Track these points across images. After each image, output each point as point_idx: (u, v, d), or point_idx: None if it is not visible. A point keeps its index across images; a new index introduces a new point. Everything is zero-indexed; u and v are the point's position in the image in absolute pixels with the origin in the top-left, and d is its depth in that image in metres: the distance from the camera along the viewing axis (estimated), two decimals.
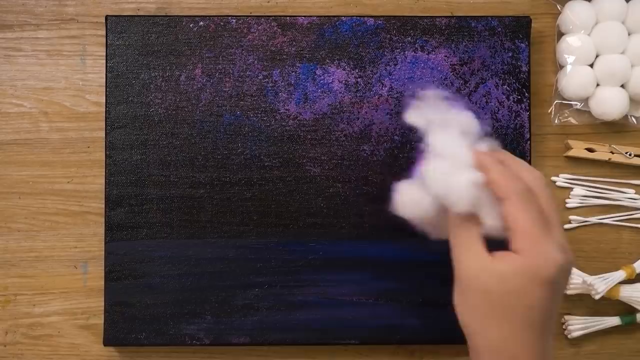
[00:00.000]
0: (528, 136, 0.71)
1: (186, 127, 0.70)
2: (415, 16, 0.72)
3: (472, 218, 0.51)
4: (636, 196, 0.74)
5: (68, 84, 0.73)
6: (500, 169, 0.51)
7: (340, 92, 0.71)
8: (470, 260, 0.51)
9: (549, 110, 0.73)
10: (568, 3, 0.73)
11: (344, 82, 0.71)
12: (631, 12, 0.72)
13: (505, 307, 0.50)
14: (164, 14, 0.73)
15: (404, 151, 0.71)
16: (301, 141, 0.71)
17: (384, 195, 0.71)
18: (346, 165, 0.71)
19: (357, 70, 0.71)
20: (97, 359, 0.73)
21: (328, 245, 0.70)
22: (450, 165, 0.50)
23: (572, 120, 0.73)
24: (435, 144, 0.52)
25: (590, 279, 0.72)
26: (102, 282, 0.70)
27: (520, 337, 0.50)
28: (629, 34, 0.72)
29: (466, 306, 0.52)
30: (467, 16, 0.72)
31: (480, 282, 0.50)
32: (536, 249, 0.49)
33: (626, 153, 0.73)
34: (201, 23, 0.71)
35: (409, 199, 0.53)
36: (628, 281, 0.73)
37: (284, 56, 0.71)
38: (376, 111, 0.71)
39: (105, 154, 0.70)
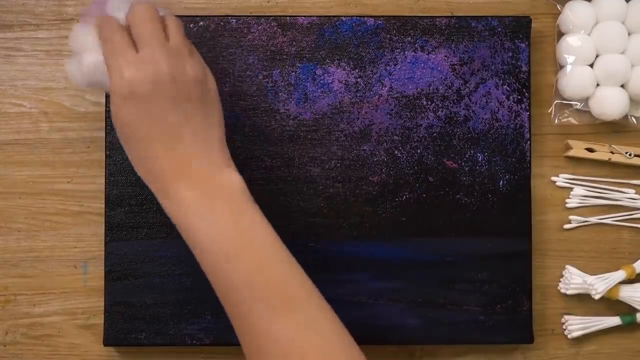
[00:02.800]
0: (528, 136, 0.71)
1: None
2: (415, 16, 0.72)
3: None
4: (636, 196, 0.74)
5: (68, 84, 0.73)
6: (103, 23, 0.57)
7: (340, 92, 0.71)
8: None
9: (549, 110, 0.73)
10: (568, 3, 0.73)
11: (344, 82, 0.71)
12: (631, 12, 0.72)
13: (121, 131, 0.56)
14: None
15: (404, 151, 0.71)
16: (301, 141, 0.71)
17: (384, 195, 0.71)
18: (346, 165, 0.71)
19: (357, 70, 0.71)
20: (97, 359, 0.73)
21: (328, 245, 0.70)
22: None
23: (572, 120, 0.73)
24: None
25: (590, 279, 0.72)
26: (102, 282, 0.70)
27: (143, 151, 0.56)
28: (629, 34, 0.72)
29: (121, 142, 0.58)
30: (467, 16, 0.72)
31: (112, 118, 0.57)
32: (111, 71, 0.55)
33: (626, 153, 0.73)
34: (201, 23, 0.71)
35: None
36: (628, 281, 0.73)
37: (284, 56, 0.71)
38: (376, 111, 0.71)
39: (105, 154, 0.70)
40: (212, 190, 0.56)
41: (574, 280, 0.72)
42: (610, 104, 0.71)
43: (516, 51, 0.71)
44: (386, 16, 0.72)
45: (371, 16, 0.71)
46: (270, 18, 0.71)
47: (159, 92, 0.54)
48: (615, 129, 0.74)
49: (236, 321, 0.56)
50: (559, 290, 0.73)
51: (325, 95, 0.71)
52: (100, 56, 0.57)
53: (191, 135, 0.56)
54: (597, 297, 0.71)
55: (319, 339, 0.54)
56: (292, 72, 0.71)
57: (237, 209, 0.56)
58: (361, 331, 0.70)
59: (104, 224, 0.70)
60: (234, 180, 0.57)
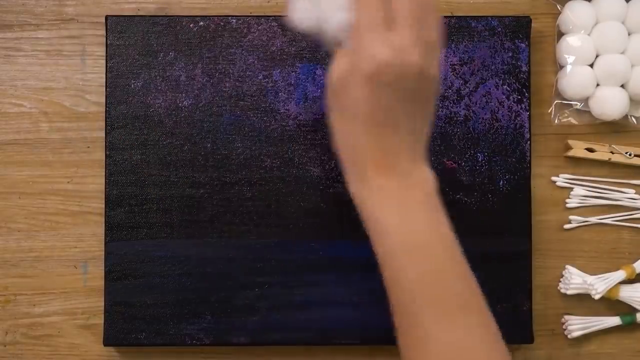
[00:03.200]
0: (528, 136, 0.71)
1: (186, 127, 0.70)
2: None
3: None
4: (636, 196, 0.74)
5: (68, 84, 0.73)
6: None
7: None
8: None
9: (549, 110, 0.73)
10: (568, 3, 0.73)
11: None
12: (631, 12, 0.72)
13: (341, 103, 0.53)
14: (164, 14, 0.73)
15: None
16: (301, 141, 0.71)
17: None
18: None
19: None
20: (97, 359, 0.73)
21: (328, 245, 0.70)
22: None
23: (572, 120, 0.73)
24: None
25: (590, 279, 0.72)
26: (102, 282, 0.70)
27: (356, 131, 0.53)
28: (629, 34, 0.72)
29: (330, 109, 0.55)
30: (467, 16, 0.72)
31: (329, 82, 0.54)
32: (360, 44, 0.51)
33: (626, 153, 0.73)
34: (201, 23, 0.71)
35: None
36: (628, 281, 0.73)
37: (284, 56, 0.71)
38: None
39: (105, 154, 0.70)
40: (410, 183, 0.54)
41: (574, 280, 0.72)
42: (610, 104, 0.71)
43: (516, 51, 0.71)
44: None
45: None
46: (270, 18, 0.71)
47: (401, 83, 0.52)
48: (615, 129, 0.74)
49: (401, 319, 0.54)
50: (559, 290, 0.73)
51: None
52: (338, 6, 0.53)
53: (407, 129, 0.54)
54: (597, 297, 0.71)
55: (487, 347, 0.53)
56: (292, 72, 0.71)
57: (431, 205, 0.55)
58: (361, 331, 0.71)
59: (104, 224, 0.70)
60: (430, 176, 0.55)
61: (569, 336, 0.73)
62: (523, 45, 0.71)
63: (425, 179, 0.55)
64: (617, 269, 0.72)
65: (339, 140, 0.55)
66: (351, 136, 0.54)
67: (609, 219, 0.74)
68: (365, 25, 0.51)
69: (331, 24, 0.52)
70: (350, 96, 0.52)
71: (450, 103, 0.71)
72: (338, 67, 0.53)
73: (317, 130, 0.71)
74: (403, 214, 0.54)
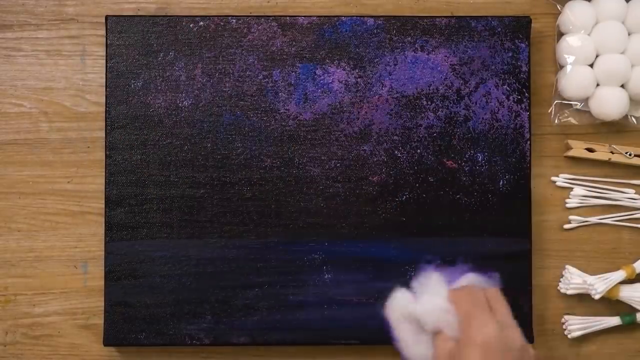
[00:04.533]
0: (528, 136, 0.71)
1: (186, 127, 0.70)
2: (415, 16, 0.72)
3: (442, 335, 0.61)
4: (636, 196, 0.74)
5: (68, 84, 0.73)
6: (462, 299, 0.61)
7: (340, 92, 0.71)
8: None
9: (549, 110, 0.73)
10: (568, 3, 0.73)
11: (344, 82, 0.71)
12: (631, 12, 0.72)
13: None
14: (164, 14, 0.73)
15: (404, 151, 0.71)
16: (301, 141, 0.71)
17: (384, 195, 0.71)
18: (346, 165, 0.71)
19: (357, 70, 0.71)
20: (97, 359, 0.73)
21: (328, 245, 0.70)
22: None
23: (572, 120, 0.73)
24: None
25: (590, 279, 0.72)
26: (102, 282, 0.70)
27: None
28: (629, 34, 0.72)
29: None
30: (467, 16, 0.72)
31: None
32: (471, 323, 0.58)
33: (626, 153, 0.73)
34: (201, 23, 0.71)
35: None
36: (628, 281, 0.73)
37: (284, 56, 0.71)
38: (376, 111, 0.71)
39: (105, 154, 0.70)
40: None
41: (574, 280, 0.72)
42: (610, 104, 0.71)
43: (516, 51, 0.71)
44: (386, 16, 0.72)
45: (371, 16, 0.71)
46: (270, 18, 0.71)
47: (508, 355, 0.58)
48: (615, 129, 0.74)
49: None
50: (559, 290, 0.73)
51: (325, 95, 0.71)
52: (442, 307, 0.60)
53: None
54: (597, 297, 0.71)
55: None
56: (292, 72, 0.71)
57: None
58: (361, 331, 0.71)
59: (104, 224, 0.70)
60: None
61: (569, 336, 0.73)
62: (523, 45, 0.71)
63: None
64: (617, 269, 0.72)
65: None
66: None
67: (609, 219, 0.74)
68: (474, 309, 0.59)
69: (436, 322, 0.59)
70: None
71: (450, 103, 0.71)
72: (446, 342, 0.59)
73: (317, 130, 0.71)
74: None
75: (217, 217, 0.70)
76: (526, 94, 0.71)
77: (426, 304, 0.61)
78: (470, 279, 0.62)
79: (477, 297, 0.61)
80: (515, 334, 0.59)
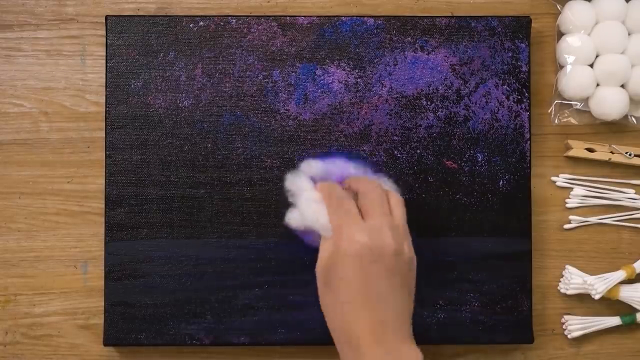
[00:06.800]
0: (528, 136, 0.71)
1: (186, 127, 0.70)
2: (415, 16, 0.72)
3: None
4: (636, 196, 0.74)
5: (68, 84, 0.73)
6: (328, 187, 0.63)
7: (340, 92, 0.71)
8: None
9: (549, 110, 0.73)
10: (568, 3, 0.73)
11: (344, 82, 0.71)
12: (631, 12, 0.72)
13: (332, 284, 0.60)
14: (164, 14, 0.73)
15: (404, 151, 0.71)
16: (301, 141, 0.71)
17: None
18: None
19: (357, 71, 0.71)
20: (97, 359, 0.73)
21: None
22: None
23: (572, 120, 0.73)
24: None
25: (590, 279, 0.72)
26: (102, 282, 0.70)
27: (350, 309, 0.59)
28: (629, 34, 0.72)
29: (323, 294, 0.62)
30: (467, 16, 0.72)
31: (319, 268, 0.62)
32: (341, 233, 0.60)
33: (626, 153, 0.73)
34: (201, 23, 0.71)
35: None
36: (628, 281, 0.73)
37: (284, 56, 0.71)
38: (376, 111, 0.71)
39: (105, 154, 0.70)
40: (395, 358, 0.59)
41: (574, 280, 0.72)
42: (610, 104, 0.71)
43: (516, 51, 0.71)
44: (386, 16, 0.72)
45: (371, 16, 0.71)
46: (270, 18, 0.71)
47: (381, 262, 0.59)
48: (615, 129, 0.74)
49: None
50: (559, 290, 0.73)
51: (325, 95, 0.71)
52: (317, 207, 0.62)
53: (392, 305, 0.60)
54: (597, 297, 0.71)
55: None
56: (292, 72, 0.71)
57: None
58: None
59: (104, 224, 0.70)
60: (415, 354, 0.59)
61: (569, 336, 0.73)
62: (523, 45, 0.71)
63: (413, 354, 0.59)
64: (617, 269, 0.72)
65: (333, 322, 0.61)
66: (345, 314, 0.59)
67: (609, 219, 0.74)
68: (343, 215, 0.61)
69: (316, 227, 0.62)
70: (339, 275, 0.59)
71: (450, 103, 0.71)
72: (325, 252, 0.61)
73: (317, 130, 0.71)
74: None
75: (217, 217, 0.70)
76: (526, 94, 0.71)
77: (301, 204, 0.63)
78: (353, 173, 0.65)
79: (346, 198, 0.62)
80: (388, 239, 0.59)
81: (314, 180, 0.65)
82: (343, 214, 0.61)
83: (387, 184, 0.66)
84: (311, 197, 0.63)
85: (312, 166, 0.66)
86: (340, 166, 0.67)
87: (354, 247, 0.59)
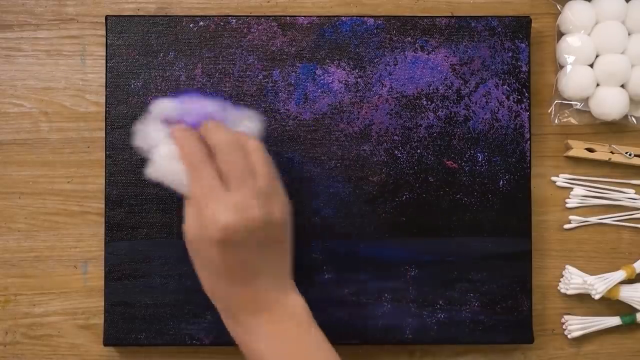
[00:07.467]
0: (528, 136, 0.71)
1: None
2: (415, 16, 0.72)
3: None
4: (636, 196, 0.74)
5: (68, 84, 0.73)
6: (184, 142, 0.58)
7: (340, 92, 0.71)
8: None
9: (549, 110, 0.73)
10: (568, 3, 0.73)
11: (344, 82, 0.71)
12: (631, 12, 0.72)
13: (201, 262, 0.58)
14: (164, 14, 0.73)
15: (404, 151, 0.71)
16: (301, 141, 0.71)
17: (384, 195, 0.71)
18: (346, 165, 0.71)
19: (357, 70, 0.71)
20: (97, 359, 0.73)
21: (328, 245, 0.70)
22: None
23: (572, 120, 0.73)
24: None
25: (590, 279, 0.72)
26: (102, 282, 0.70)
27: (221, 284, 0.58)
28: (629, 34, 0.72)
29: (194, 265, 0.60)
30: (467, 16, 0.72)
31: (185, 239, 0.59)
32: (202, 209, 0.56)
33: (626, 153, 0.73)
34: (201, 23, 0.71)
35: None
36: (628, 281, 0.73)
37: (284, 56, 0.71)
38: (376, 111, 0.71)
39: (105, 154, 0.70)
40: (279, 314, 0.58)
41: (574, 280, 0.72)
42: (610, 104, 0.71)
43: (516, 51, 0.71)
44: (386, 16, 0.72)
45: (371, 16, 0.71)
46: (270, 18, 0.71)
47: (250, 239, 0.56)
48: (615, 129, 0.74)
49: None
50: (559, 290, 0.73)
51: (325, 95, 0.71)
52: (175, 166, 0.58)
53: (268, 272, 0.59)
54: (597, 297, 0.71)
55: None
56: (292, 72, 0.71)
57: (302, 329, 0.59)
58: (361, 331, 0.71)
59: (104, 224, 0.70)
60: (298, 303, 0.59)
61: (569, 336, 0.73)
62: (523, 45, 0.71)
63: (294, 306, 0.59)
64: (617, 269, 0.72)
65: (208, 290, 0.60)
66: (217, 288, 0.59)
67: (609, 219, 0.74)
68: (202, 189, 0.56)
69: (177, 188, 0.58)
70: (205, 257, 0.57)
71: (450, 103, 0.71)
72: (190, 222, 0.57)
73: (317, 130, 0.71)
74: (277, 343, 0.58)
75: None
76: (526, 94, 0.71)
77: (157, 160, 0.59)
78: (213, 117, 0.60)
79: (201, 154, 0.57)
80: (254, 212, 0.55)
81: (168, 122, 0.60)
82: (204, 184, 0.56)
83: (246, 120, 0.62)
84: (167, 153, 0.58)
85: (163, 106, 0.61)
86: (196, 104, 0.62)
87: (219, 233, 0.55)
